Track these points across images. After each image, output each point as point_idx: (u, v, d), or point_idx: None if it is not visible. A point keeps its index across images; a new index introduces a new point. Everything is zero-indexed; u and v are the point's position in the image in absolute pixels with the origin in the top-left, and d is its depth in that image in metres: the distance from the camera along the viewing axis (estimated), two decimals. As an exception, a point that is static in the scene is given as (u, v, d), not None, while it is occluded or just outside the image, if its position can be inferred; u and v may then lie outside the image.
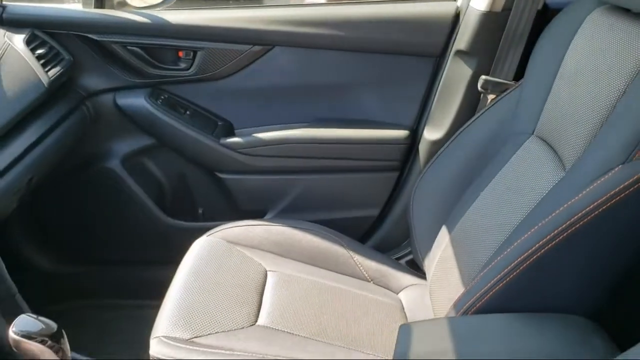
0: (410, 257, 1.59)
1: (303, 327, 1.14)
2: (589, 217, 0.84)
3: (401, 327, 0.91)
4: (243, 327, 1.11)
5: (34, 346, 0.79)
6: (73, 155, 1.56)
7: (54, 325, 0.81)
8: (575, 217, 0.85)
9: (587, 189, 0.86)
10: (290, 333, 1.12)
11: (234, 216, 1.50)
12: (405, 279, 1.38)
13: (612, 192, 0.83)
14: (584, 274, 0.88)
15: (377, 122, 1.65)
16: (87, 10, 1.58)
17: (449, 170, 1.33)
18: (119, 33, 1.55)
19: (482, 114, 1.33)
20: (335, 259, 1.39)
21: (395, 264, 1.46)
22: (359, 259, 1.40)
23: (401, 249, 1.65)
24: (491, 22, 1.44)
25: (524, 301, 0.89)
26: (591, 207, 0.84)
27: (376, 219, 1.71)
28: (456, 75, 1.53)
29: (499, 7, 1.41)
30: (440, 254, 1.22)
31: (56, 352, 0.81)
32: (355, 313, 1.22)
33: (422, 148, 1.60)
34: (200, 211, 1.76)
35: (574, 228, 0.85)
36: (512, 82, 1.41)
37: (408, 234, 1.44)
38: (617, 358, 0.60)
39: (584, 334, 0.81)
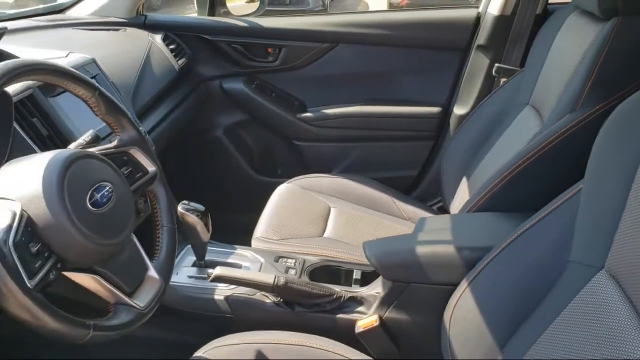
0: (440, 204, 1.91)
1: (354, 240, 1.51)
2: (542, 151, 1.19)
3: (419, 219, 1.31)
4: (314, 237, 1.52)
5: (191, 218, 1.24)
6: (191, 125, 1.99)
7: (202, 207, 1.27)
8: (534, 150, 1.20)
9: (544, 132, 1.22)
10: (345, 242, 1.50)
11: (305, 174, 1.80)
12: (436, 219, 1.74)
13: (558, 133, 1.18)
14: (540, 186, 1.23)
15: (416, 101, 1.99)
16: (202, 17, 2.05)
17: (469, 136, 1.61)
18: (225, 34, 1.98)
19: (495, 92, 1.63)
20: (381, 203, 1.72)
21: (429, 209, 1.80)
22: (399, 204, 1.73)
23: (434, 198, 2.00)
24: (503, 23, 1.78)
25: (502, 205, 1.25)
26: (544, 143, 1.19)
27: (416, 178, 2.06)
28: (477, 64, 1.87)
29: (508, 12, 1.77)
30: (460, 199, 1.54)
31: (205, 225, 1.27)
32: (392, 235, 1.54)
33: (452, 121, 1.93)
34: (279, 171, 2.16)
35: (533, 158, 1.20)
36: (518, 68, 1.70)
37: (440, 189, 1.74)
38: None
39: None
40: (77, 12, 1.89)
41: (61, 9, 1.90)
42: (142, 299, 0.87)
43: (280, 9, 7.34)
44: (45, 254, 0.74)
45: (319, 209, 1.64)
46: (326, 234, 1.55)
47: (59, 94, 1.17)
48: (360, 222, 1.62)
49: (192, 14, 2.08)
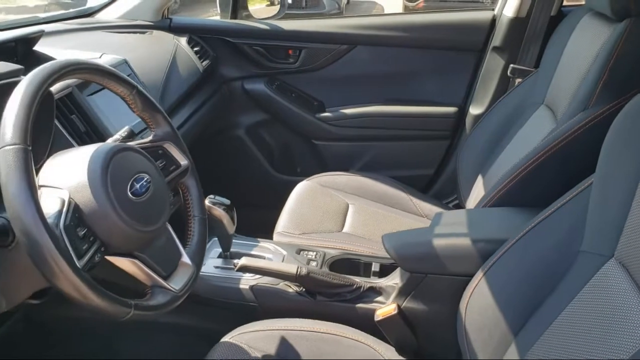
0: (456, 202, 1.96)
1: (372, 235, 1.56)
2: (555, 148, 1.23)
3: (436, 214, 1.36)
4: (333, 232, 1.57)
5: (218, 211, 1.29)
6: (214, 124, 2.04)
7: (228, 201, 1.33)
8: (547, 147, 1.24)
9: (558, 130, 1.26)
10: (363, 237, 1.55)
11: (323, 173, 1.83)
12: (452, 216, 1.77)
13: (571, 131, 1.22)
14: (553, 181, 1.24)
15: (433, 101, 2.03)
16: (225, 20, 2.11)
17: (484, 135, 1.64)
18: (247, 37, 2.04)
19: (510, 92, 1.66)
20: (398, 200, 1.76)
21: (445, 206, 1.84)
22: (416, 201, 1.78)
23: (451, 196, 2.04)
24: (518, 25, 1.82)
25: (516, 200, 1.29)
26: (557, 141, 1.23)
27: (432, 176, 2.10)
28: (493, 65, 1.91)
29: (523, 14, 1.81)
30: (476, 196, 1.58)
31: (231, 218, 1.32)
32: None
33: (468, 121, 1.97)
34: (298, 170, 2.20)
35: (546, 155, 1.24)
36: (533, 69, 1.71)
37: (456, 187, 1.78)
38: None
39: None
40: (106, 16, 1.97)
41: (90, 13, 1.97)
42: (176, 283, 0.93)
43: (297, 12, 7.45)
44: (91, 238, 0.80)
45: (337, 205, 1.69)
46: (345, 230, 1.60)
47: (94, 92, 1.24)
48: (377, 218, 1.66)
49: (215, 17, 2.13)
